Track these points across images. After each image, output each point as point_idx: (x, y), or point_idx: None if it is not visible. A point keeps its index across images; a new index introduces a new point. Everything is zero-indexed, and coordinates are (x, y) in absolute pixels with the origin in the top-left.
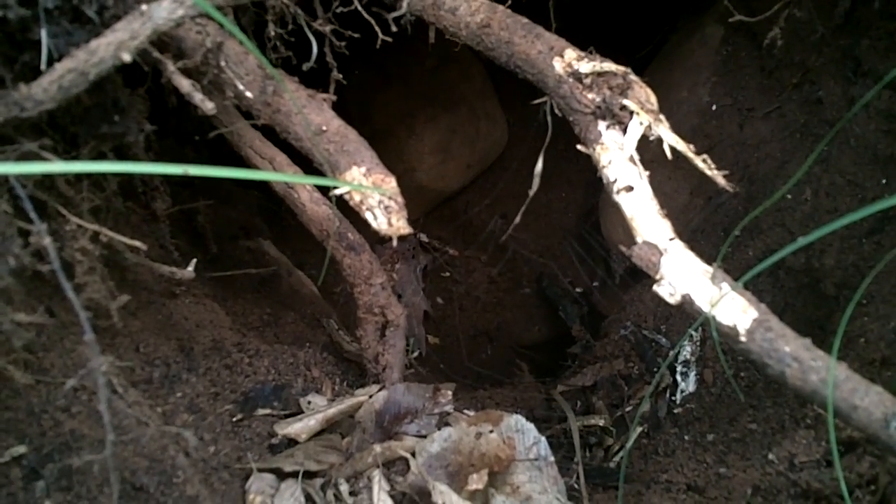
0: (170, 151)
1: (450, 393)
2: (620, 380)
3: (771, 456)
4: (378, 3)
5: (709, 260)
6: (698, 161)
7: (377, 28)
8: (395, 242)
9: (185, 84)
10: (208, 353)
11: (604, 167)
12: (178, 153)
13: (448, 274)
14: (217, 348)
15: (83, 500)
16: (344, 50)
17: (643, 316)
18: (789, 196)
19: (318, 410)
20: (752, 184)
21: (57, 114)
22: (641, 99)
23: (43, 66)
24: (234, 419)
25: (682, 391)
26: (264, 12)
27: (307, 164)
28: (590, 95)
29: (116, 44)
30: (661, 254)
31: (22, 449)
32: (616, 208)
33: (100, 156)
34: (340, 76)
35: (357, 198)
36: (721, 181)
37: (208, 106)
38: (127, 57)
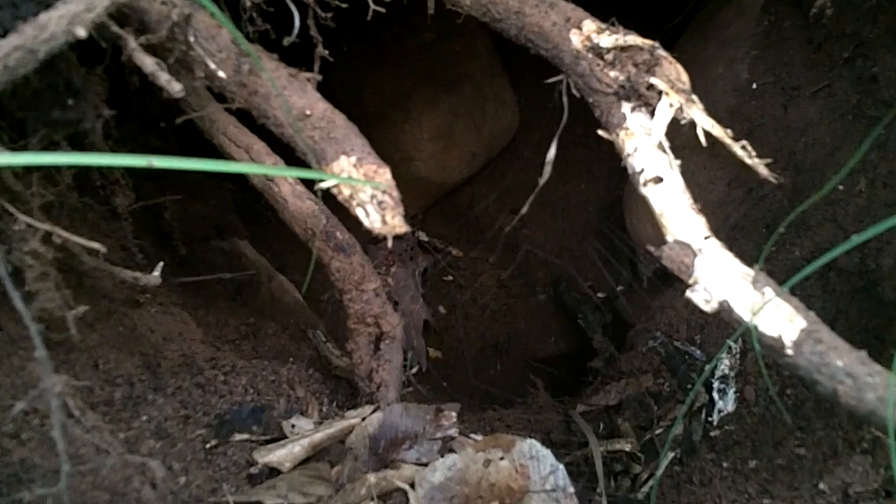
0: (132, 140)
1: (454, 414)
2: (649, 398)
3: (822, 485)
4: None
5: (750, 261)
6: (736, 147)
7: None
8: (389, 243)
9: (148, 62)
10: (177, 370)
11: (628, 155)
12: (142, 141)
13: (451, 278)
14: (187, 364)
15: None
16: (330, 22)
17: (675, 325)
18: (841, 187)
19: (304, 435)
20: (799, 173)
21: (2, 98)
22: (671, 77)
23: None
24: (208, 446)
25: (719, 411)
26: None
27: (289, 154)
28: (612, 73)
29: (70, 17)
30: (694, 254)
31: None
32: (643, 202)
33: (52, 145)
34: (326, 52)
35: (346, 192)
36: (763, 171)
37: (175, 87)
38: (82, 32)
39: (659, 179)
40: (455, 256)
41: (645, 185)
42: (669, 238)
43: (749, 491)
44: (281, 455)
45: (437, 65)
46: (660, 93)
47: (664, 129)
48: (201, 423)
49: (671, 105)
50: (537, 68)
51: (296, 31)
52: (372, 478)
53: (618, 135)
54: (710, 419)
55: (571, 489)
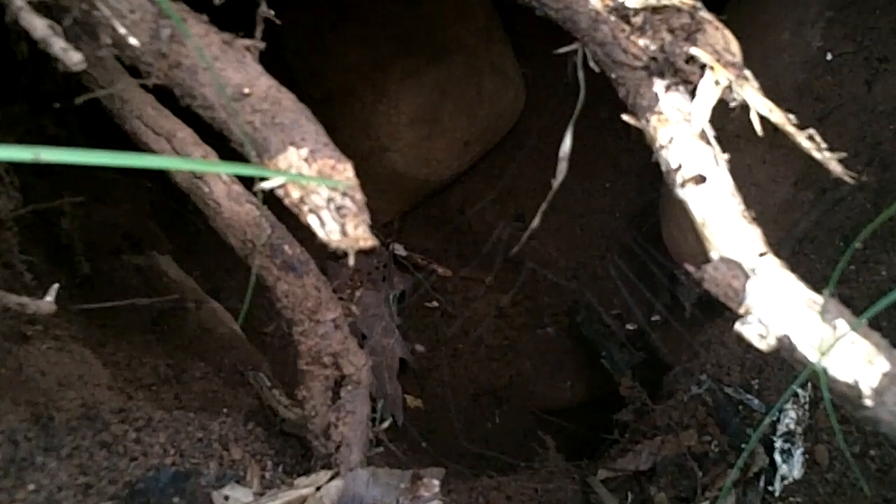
0: (20, 124)
1: (436, 483)
2: (692, 461)
3: None
4: None
5: (820, 284)
6: (802, 138)
7: None
8: (352, 260)
9: (38, 25)
10: (76, 424)
11: (662, 147)
12: (33, 127)
13: (436, 304)
14: (89, 417)
15: None
16: None
17: (725, 366)
18: None
19: None
20: (886, 170)
21: None
22: (717, 47)
23: None
24: None
25: (782, 478)
26: None
27: (223, 144)
28: (641, 42)
29: None
30: (745, 276)
31: None
32: (682, 208)
33: None
34: (272, 13)
35: (295, 194)
36: (836, 167)
37: (74, 58)
38: None
39: (701, 179)
40: (441, 276)
41: (683, 185)
42: (714, 255)
43: None
44: None
45: (420, 29)
46: (702, 67)
47: (708, 114)
48: (106, 493)
49: (717, 83)
50: (548, 34)
51: None
52: None
53: (648, 121)
54: (770, 488)
55: None
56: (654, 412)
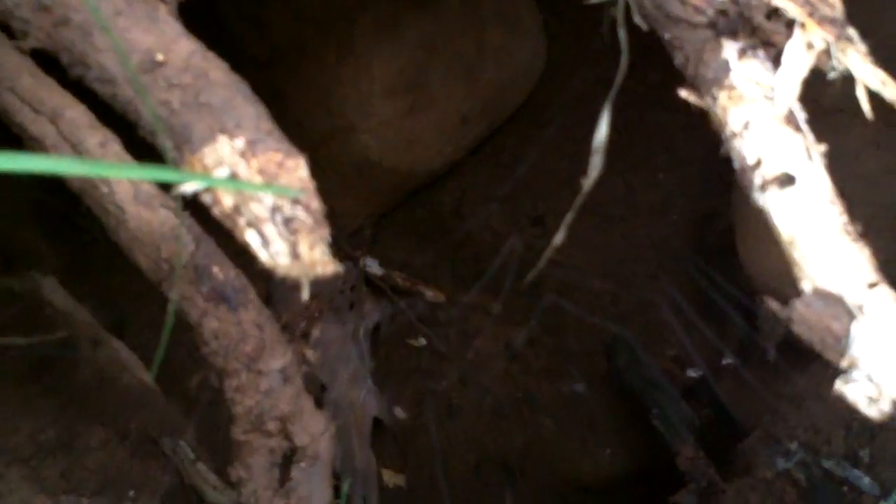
0: None
1: None
2: None
3: None
4: None
5: None
6: None
7: None
8: (305, 293)
9: None
10: None
11: (734, 136)
12: None
13: (424, 342)
14: None
15: None
16: None
17: (823, 432)
18: None
19: None
20: None
21: None
22: None
23: None
24: None
25: None
26: None
27: (130, 129)
28: None
29: None
30: (849, 316)
31: None
32: (763, 217)
33: None
34: None
35: (228, 201)
36: None
37: None
38: None
39: (788, 180)
40: (431, 303)
41: (764, 188)
42: (806, 285)
43: None
44: None
45: None
46: (789, 24)
47: (797, 90)
48: None
49: (810, 46)
50: None
51: None
52: None
53: (715, 98)
54: None
55: None
56: (726, 494)
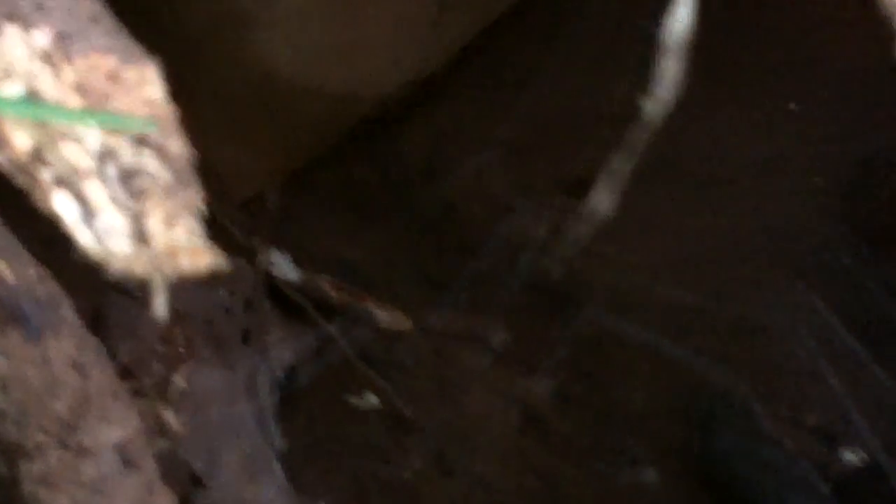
0: None
1: None
2: None
3: None
4: None
5: None
6: None
7: None
8: (160, 309)
9: None
10: None
11: None
12: None
13: (375, 400)
14: None
15: None
16: None
17: None
18: None
19: None
20: None
21: None
22: None
23: None
24: None
25: None
26: None
27: None
28: None
29: None
30: None
31: None
32: None
33: None
34: None
35: (22, 141)
36: None
37: None
38: None
39: None
40: (386, 329)
41: None
42: None
43: None
44: None
45: None
46: None
47: None
48: None
49: None
50: None
51: None
52: None
53: None
54: None
55: None
56: None
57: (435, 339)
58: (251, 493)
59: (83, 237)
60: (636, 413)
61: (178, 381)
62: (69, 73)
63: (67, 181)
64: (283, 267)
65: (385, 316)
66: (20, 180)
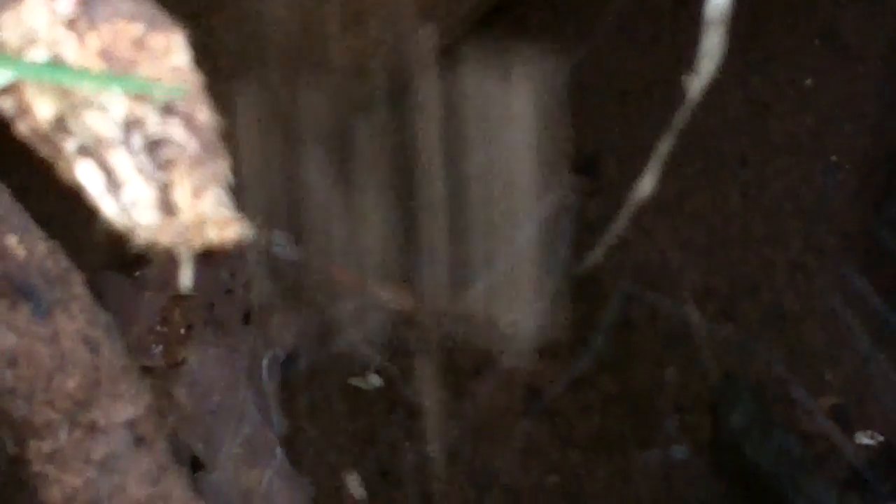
0: None
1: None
2: None
3: None
4: None
5: None
6: None
7: None
8: (186, 279)
9: None
10: None
11: None
12: None
13: (379, 382)
14: None
15: None
16: None
17: None
18: None
19: None
20: None
21: None
22: None
23: None
24: None
25: None
26: None
27: None
28: None
29: None
30: None
31: None
32: None
33: None
34: None
35: (45, 110)
36: None
37: None
38: None
39: None
40: (393, 310)
41: None
42: None
43: None
44: None
45: None
46: None
47: None
48: None
49: None
50: None
51: None
52: None
53: None
54: None
55: None
56: None
57: (441, 321)
58: (252, 476)
59: (108, 208)
60: (667, 391)
61: (183, 360)
62: (94, 40)
63: (92, 151)
64: (285, 247)
65: (390, 296)
66: (43, 150)
